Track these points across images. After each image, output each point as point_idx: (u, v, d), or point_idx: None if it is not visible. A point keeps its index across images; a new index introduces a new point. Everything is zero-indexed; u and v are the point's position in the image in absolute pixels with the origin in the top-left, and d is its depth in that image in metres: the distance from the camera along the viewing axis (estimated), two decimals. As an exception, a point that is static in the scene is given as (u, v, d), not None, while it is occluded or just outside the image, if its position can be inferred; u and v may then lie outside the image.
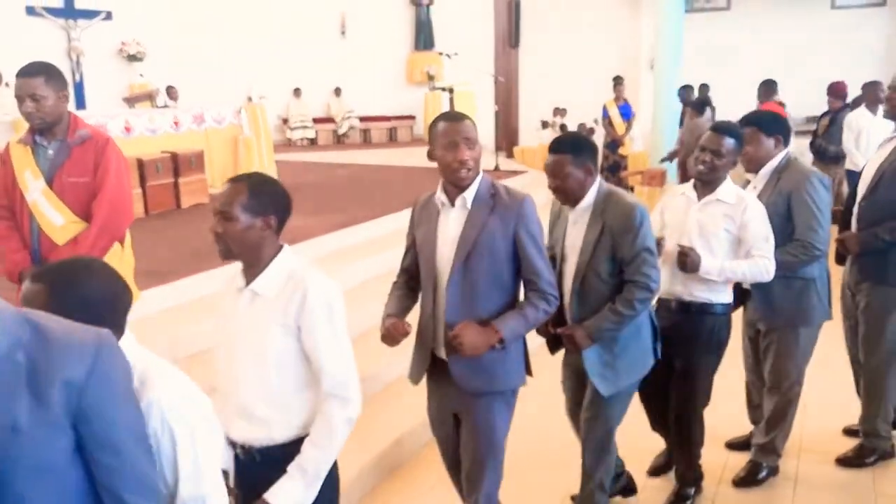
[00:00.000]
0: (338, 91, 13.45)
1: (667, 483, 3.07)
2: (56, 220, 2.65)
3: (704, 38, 11.77)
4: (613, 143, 9.06)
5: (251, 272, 1.84)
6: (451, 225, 2.21)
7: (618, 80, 9.25)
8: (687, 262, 2.64)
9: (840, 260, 3.26)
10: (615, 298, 2.43)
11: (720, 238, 2.70)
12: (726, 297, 2.78)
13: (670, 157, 8.27)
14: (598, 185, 2.48)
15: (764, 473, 3.09)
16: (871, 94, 6.33)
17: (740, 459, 3.19)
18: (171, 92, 9.87)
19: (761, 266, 2.66)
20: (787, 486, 3.10)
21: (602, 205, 2.44)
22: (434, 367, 2.31)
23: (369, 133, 13.81)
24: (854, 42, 11.37)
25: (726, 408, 3.33)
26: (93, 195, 2.68)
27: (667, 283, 2.75)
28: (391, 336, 2.25)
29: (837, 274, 3.22)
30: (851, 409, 3.36)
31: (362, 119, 13.64)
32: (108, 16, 11.32)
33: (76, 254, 2.59)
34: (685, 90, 9.10)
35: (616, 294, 2.44)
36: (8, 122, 6.09)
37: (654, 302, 2.81)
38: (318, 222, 5.71)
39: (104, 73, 11.31)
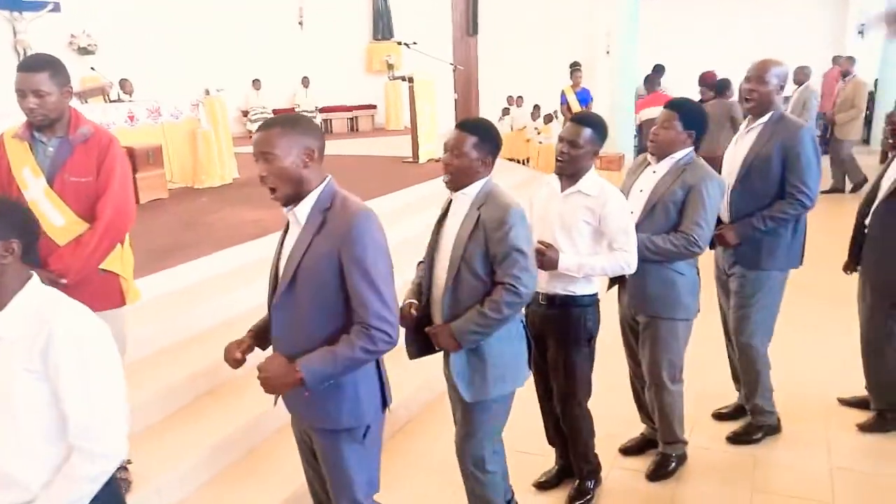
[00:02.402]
0: (305, 81, 13.32)
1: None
2: (57, 221, 2.55)
3: (661, 22, 11.96)
4: (572, 129, 9.16)
5: None
6: (286, 243, 2.03)
7: (575, 66, 9.36)
8: (543, 260, 2.59)
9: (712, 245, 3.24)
10: (483, 300, 2.31)
11: (581, 230, 2.67)
12: (590, 287, 2.75)
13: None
14: (485, 181, 2.38)
15: (673, 464, 3.16)
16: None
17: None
18: (124, 85, 9.65)
19: (620, 260, 2.65)
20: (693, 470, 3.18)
21: (482, 199, 2.34)
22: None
23: (330, 123, 13.74)
24: (814, 23, 11.65)
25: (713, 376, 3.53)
26: (94, 195, 2.60)
27: None
28: (227, 359, 2.08)
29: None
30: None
31: (322, 109, 13.56)
32: (56, 7, 10.96)
33: (77, 255, 2.55)
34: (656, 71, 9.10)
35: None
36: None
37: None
38: (274, 216, 5.69)
39: (54, 67, 11.00)
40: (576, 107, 9.14)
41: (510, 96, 11.79)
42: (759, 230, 3.08)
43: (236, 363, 2.06)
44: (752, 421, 3.42)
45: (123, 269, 2.75)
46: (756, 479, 3.14)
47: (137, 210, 2.85)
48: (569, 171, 2.67)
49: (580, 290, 2.72)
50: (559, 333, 2.76)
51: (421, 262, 2.55)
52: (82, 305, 1.65)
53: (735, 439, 3.39)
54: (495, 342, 2.37)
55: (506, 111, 12.06)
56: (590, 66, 11.29)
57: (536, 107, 11.60)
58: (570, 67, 9.38)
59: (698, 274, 3.01)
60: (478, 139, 2.31)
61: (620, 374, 3.38)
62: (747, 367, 3.31)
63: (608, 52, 11.66)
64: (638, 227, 2.82)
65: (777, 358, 3.39)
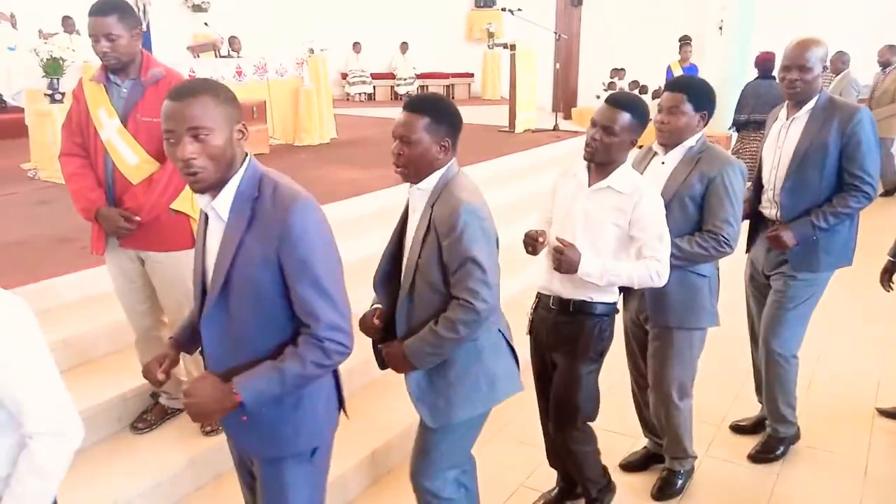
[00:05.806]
0: (404, 47, 13.38)
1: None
2: (130, 160, 2.66)
3: (779, 2, 11.25)
4: (676, 107, 8.80)
5: None
6: (210, 242, 1.65)
7: (685, 40, 8.96)
8: (562, 261, 2.25)
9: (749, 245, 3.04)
10: (438, 316, 1.96)
11: (606, 234, 2.30)
12: (611, 295, 2.40)
13: None
14: (446, 169, 1.99)
15: (680, 482, 2.88)
16: None
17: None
18: (233, 42, 9.98)
19: (652, 269, 2.26)
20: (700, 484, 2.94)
21: (436, 195, 1.97)
22: None
23: (426, 90, 13.80)
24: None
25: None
26: None
27: (546, 277, 2.45)
28: (148, 379, 1.77)
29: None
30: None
31: (420, 76, 13.62)
32: (174, -35, 11.47)
33: (149, 194, 2.65)
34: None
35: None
36: (79, 66, 6.32)
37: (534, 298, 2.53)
38: (371, 176, 5.81)
39: (170, 22, 11.49)
40: (682, 84, 8.77)
41: (614, 69, 11.39)
42: (821, 228, 2.76)
43: (160, 384, 1.75)
44: (771, 434, 3.12)
45: (194, 210, 2.77)
46: (781, 495, 2.89)
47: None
48: (598, 159, 2.29)
49: (599, 296, 2.36)
50: (569, 344, 2.41)
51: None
52: None
53: (757, 457, 3.10)
54: (462, 360, 2.03)
55: (611, 85, 11.68)
56: (699, 42, 10.77)
57: (635, 82, 11.19)
58: (680, 41, 8.98)
59: (719, 274, 2.70)
60: (430, 120, 1.93)
61: (620, 381, 3.08)
62: (776, 376, 3.01)
63: (720, 29, 11.06)
64: None
65: (811, 363, 3.11)
